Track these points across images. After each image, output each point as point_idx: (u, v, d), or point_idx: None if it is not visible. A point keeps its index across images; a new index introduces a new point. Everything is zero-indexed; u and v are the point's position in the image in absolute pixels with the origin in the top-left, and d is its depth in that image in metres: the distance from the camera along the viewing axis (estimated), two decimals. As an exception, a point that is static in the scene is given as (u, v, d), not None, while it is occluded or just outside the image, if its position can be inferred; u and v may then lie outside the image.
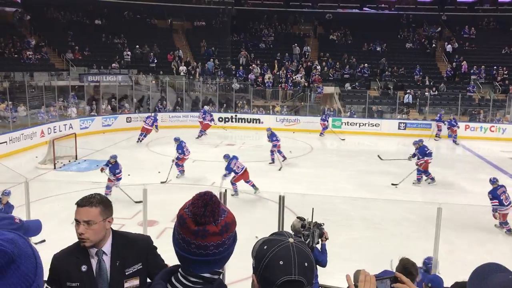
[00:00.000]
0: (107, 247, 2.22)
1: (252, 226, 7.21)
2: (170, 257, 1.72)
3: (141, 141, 18.52)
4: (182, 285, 1.30)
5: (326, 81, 26.24)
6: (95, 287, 2.17)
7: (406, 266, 4.21)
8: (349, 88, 25.79)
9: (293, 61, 27.95)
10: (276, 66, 27.13)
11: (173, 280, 1.33)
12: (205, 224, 1.25)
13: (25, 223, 2.22)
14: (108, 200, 2.27)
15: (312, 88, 25.43)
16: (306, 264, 1.22)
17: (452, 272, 4.50)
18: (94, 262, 2.20)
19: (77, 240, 2.22)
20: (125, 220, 9.04)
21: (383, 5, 35.18)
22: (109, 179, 11.10)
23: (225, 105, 24.94)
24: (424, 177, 13.29)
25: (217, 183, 12.11)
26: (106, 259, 2.21)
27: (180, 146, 13.17)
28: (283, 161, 15.33)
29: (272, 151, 15.44)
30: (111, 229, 2.28)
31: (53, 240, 5.83)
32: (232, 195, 11.31)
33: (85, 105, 22.41)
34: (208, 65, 27.04)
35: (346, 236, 8.90)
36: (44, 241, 6.87)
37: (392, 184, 12.91)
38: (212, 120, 20.86)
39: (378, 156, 15.70)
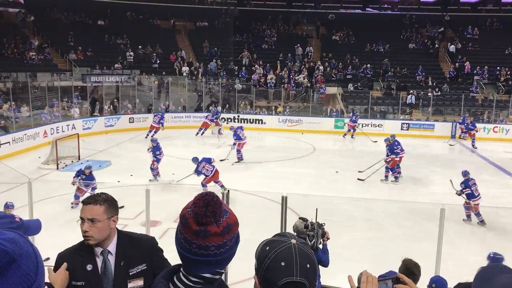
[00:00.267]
0: (112, 247, 2.22)
1: (255, 226, 7.20)
2: (173, 257, 1.72)
3: (147, 136, 19.06)
4: (183, 284, 1.31)
5: (329, 82, 26.23)
6: (100, 286, 2.17)
7: (408, 267, 4.20)
8: (352, 88, 25.76)
9: (295, 61, 27.94)
10: (278, 66, 27.12)
11: (175, 279, 1.33)
12: (206, 225, 1.25)
13: (25, 222, 2.22)
14: (113, 199, 2.27)
15: (315, 89, 25.41)
16: (308, 265, 1.22)
17: (455, 273, 4.48)
18: (99, 261, 2.20)
19: (80, 240, 2.22)
20: (128, 220, 9.05)
21: (386, 6, 35.14)
22: (79, 189, 10.40)
23: (227, 105, 24.95)
24: (400, 174, 13.52)
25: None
26: (111, 259, 2.21)
27: (157, 148, 12.88)
28: (236, 161, 15.28)
29: (238, 150, 15.45)
30: (117, 229, 2.28)
31: (56, 239, 5.84)
32: (222, 192, 11.20)
33: (88, 105, 22.46)
34: (211, 66, 27.07)
35: (349, 237, 8.89)
36: (48, 259, 6.75)
37: (359, 179, 13.27)
38: (214, 120, 21.06)
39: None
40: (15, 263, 1.00)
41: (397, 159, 13.16)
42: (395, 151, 13.11)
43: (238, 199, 11.35)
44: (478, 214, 9.83)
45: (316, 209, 4.92)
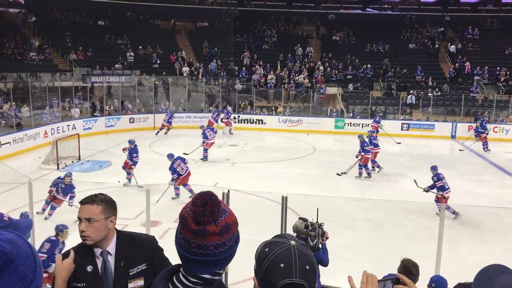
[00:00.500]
0: (111, 247, 2.22)
1: (255, 226, 7.20)
2: (173, 257, 1.72)
3: (157, 133, 20.79)
4: (182, 285, 1.30)
5: (329, 82, 26.22)
6: (101, 287, 2.17)
7: (406, 266, 4.21)
8: (352, 88, 25.76)
9: (296, 61, 27.94)
10: (278, 66, 27.12)
11: (174, 279, 1.33)
12: (205, 224, 1.25)
13: (14, 221, 2.21)
14: (112, 200, 2.27)
15: (315, 89, 25.41)
16: (307, 267, 1.21)
17: (455, 273, 4.48)
18: (99, 262, 2.20)
19: (80, 240, 2.22)
20: (128, 220, 9.05)
21: (386, 6, 35.16)
22: (56, 199, 9.73)
23: (227, 105, 24.95)
24: (380, 169, 14.13)
25: (220, 183, 12.09)
26: (111, 259, 2.21)
27: (135, 150, 12.48)
28: (202, 159, 15.36)
29: (205, 149, 15.53)
30: (116, 229, 2.27)
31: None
32: (173, 198, 11.11)
33: (88, 105, 22.47)
34: (211, 66, 27.07)
35: (349, 237, 8.89)
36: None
37: (338, 174, 13.68)
38: (216, 119, 21.28)
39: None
40: (12, 263, 0.99)
41: (368, 156, 13.56)
42: (364, 148, 13.48)
43: (238, 199, 11.37)
44: (448, 207, 9.98)
45: (317, 209, 4.92)
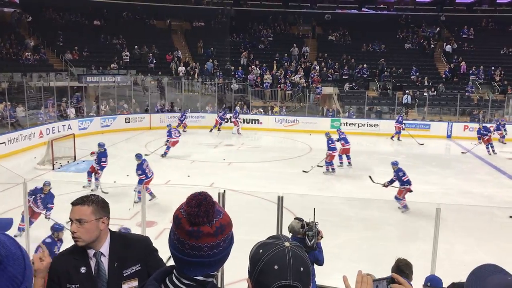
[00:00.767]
0: (105, 248, 2.20)
1: (251, 226, 7.20)
2: (168, 258, 1.71)
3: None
4: (175, 286, 1.29)
5: (325, 82, 26.22)
6: None
7: (399, 265, 4.23)
8: (348, 88, 25.80)
9: (292, 61, 27.95)
10: (275, 66, 27.13)
11: (167, 281, 1.32)
12: (199, 225, 1.24)
13: None
14: (103, 200, 2.25)
15: (311, 89, 25.43)
16: (301, 268, 1.20)
17: (451, 273, 4.49)
18: (92, 263, 2.18)
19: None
20: (124, 220, 9.02)
21: (382, 6, 35.23)
22: (35, 214, 8.65)
23: (224, 106, 24.91)
24: (341, 166, 14.91)
25: (216, 183, 12.08)
26: (104, 261, 2.19)
27: (104, 154, 12.28)
28: (162, 154, 15.83)
29: (168, 146, 15.94)
30: (110, 230, 2.26)
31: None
32: (150, 200, 10.89)
33: (83, 105, 22.38)
34: (207, 66, 27.04)
35: (345, 237, 8.90)
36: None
37: (304, 171, 14.02)
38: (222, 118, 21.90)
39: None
40: (1, 265, 0.98)
41: (334, 154, 14.14)
42: (329, 146, 14.03)
43: (234, 199, 11.36)
44: (401, 199, 10.49)
45: (314, 209, 4.92)
